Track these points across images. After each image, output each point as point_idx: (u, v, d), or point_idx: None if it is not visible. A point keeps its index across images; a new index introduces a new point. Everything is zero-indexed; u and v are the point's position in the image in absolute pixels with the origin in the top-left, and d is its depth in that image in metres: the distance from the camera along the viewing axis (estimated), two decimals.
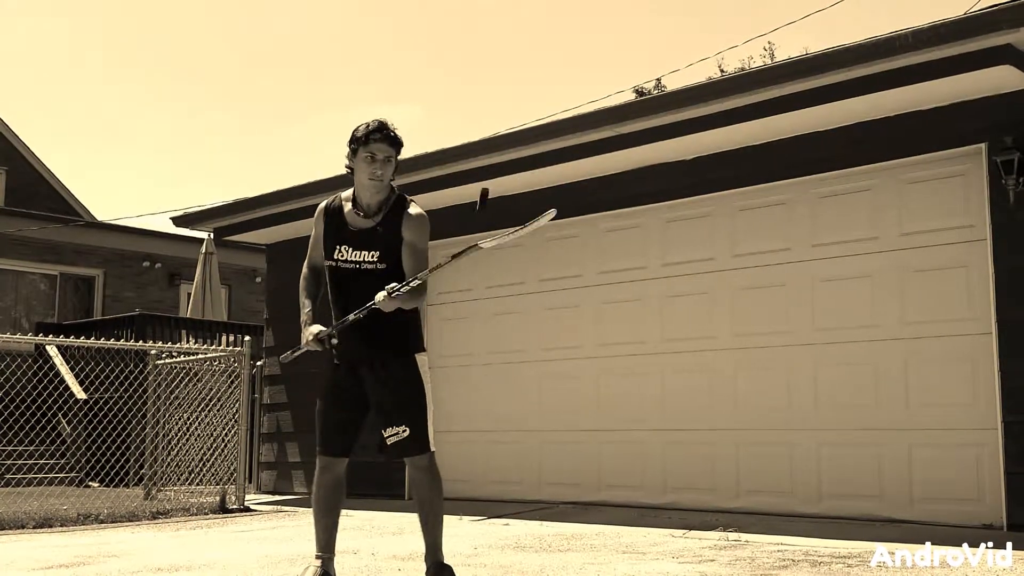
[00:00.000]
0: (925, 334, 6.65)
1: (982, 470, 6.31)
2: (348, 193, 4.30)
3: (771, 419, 7.25)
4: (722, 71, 24.52)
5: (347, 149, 4.19)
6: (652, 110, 7.35)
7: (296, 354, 4.25)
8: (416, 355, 4.26)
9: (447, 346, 9.21)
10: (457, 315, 9.27)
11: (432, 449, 4.25)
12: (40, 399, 10.94)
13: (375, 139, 4.12)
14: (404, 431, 4.14)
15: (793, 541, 5.75)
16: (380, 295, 3.93)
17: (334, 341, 4.12)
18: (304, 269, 4.41)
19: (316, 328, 4.14)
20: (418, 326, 4.31)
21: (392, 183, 4.26)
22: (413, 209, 4.23)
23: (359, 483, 7.49)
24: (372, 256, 4.15)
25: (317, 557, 4.25)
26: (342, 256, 4.22)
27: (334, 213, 4.29)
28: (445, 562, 4.23)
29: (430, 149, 8.72)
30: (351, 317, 4.02)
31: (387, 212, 4.21)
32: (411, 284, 3.96)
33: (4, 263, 16.54)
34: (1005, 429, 6.17)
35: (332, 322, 4.20)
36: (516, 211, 8.76)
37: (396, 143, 4.17)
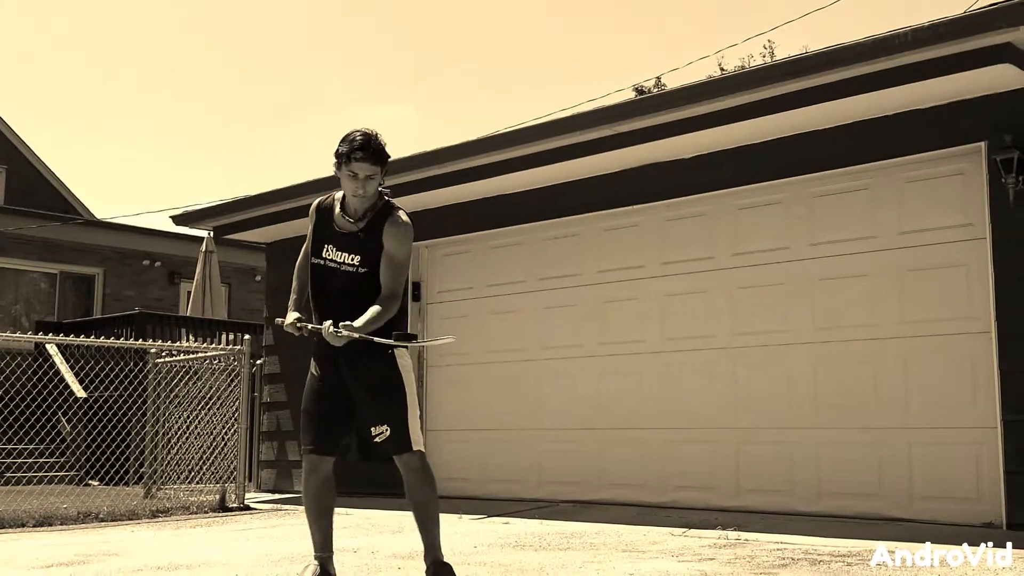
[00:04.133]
0: (924, 333, 6.65)
1: (981, 469, 6.32)
2: (341, 193, 4.32)
3: (770, 418, 7.26)
4: (722, 70, 24.52)
5: (334, 156, 4.18)
6: (651, 109, 7.35)
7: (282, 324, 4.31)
8: (397, 351, 4.22)
9: (447, 345, 9.20)
10: (456, 314, 9.27)
11: (420, 448, 4.20)
12: (40, 398, 10.93)
13: (357, 158, 4.09)
14: (385, 430, 4.13)
15: (793, 540, 5.76)
16: (327, 325, 3.98)
17: (309, 328, 4.17)
18: (300, 258, 4.49)
19: (295, 315, 4.23)
20: (402, 322, 4.30)
21: (381, 188, 4.27)
22: (397, 218, 4.22)
23: (358, 482, 7.50)
24: (353, 260, 4.19)
25: (316, 556, 4.26)
26: (328, 255, 4.26)
27: (325, 212, 4.34)
28: (444, 560, 4.24)
29: (423, 149, 8.73)
30: (311, 327, 4.13)
31: (372, 218, 4.22)
32: (354, 333, 3.95)
33: (4, 261, 16.53)
34: (1004, 428, 6.17)
35: (311, 316, 4.27)
36: (517, 210, 8.82)
37: (380, 160, 4.14)
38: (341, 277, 4.23)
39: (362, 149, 4.09)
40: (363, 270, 4.18)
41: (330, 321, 3.99)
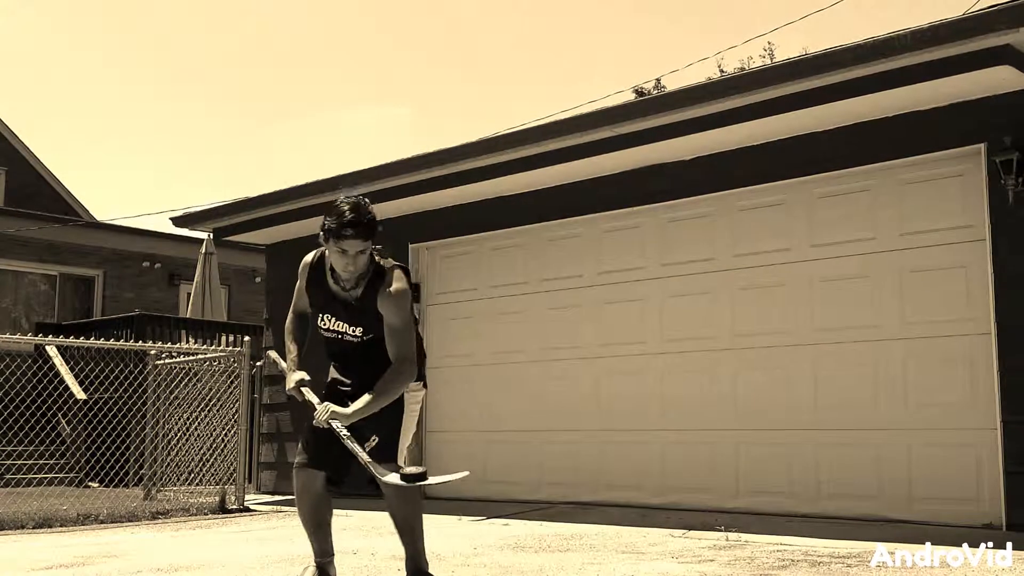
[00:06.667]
0: (924, 334, 6.65)
1: (981, 470, 6.32)
2: None
3: (770, 419, 7.26)
4: (722, 71, 24.52)
5: (321, 230, 3.97)
6: (651, 110, 7.35)
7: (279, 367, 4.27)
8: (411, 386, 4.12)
9: (447, 346, 9.21)
10: (458, 315, 9.27)
11: (400, 464, 4.09)
12: (40, 399, 10.92)
13: (347, 235, 3.87)
14: (373, 440, 3.99)
15: (792, 541, 5.75)
16: (322, 409, 3.90)
17: (309, 399, 4.06)
18: (290, 314, 4.34)
19: (300, 376, 4.09)
20: (419, 359, 4.16)
21: (372, 251, 4.02)
22: (392, 285, 4.01)
23: (358, 483, 7.49)
24: (355, 332, 4.08)
25: (316, 560, 4.24)
26: (324, 325, 4.15)
27: (316, 274, 4.17)
28: (428, 572, 4.16)
29: (420, 151, 8.75)
30: (316, 415, 3.99)
31: (366, 286, 4.04)
32: (342, 429, 3.88)
33: (4, 263, 16.52)
34: (1004, 429, 6.17)
35: (328, 369, 4.21)
36: (517, 211, 8.82)
37: (370, 234, 3.92)
38: (346, 344, 4.12)
39: (351, 226, 3.86)
40: (368, 337, 4.07)
41: (327, 405, 3.92)
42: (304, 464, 4.15)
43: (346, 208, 3.91)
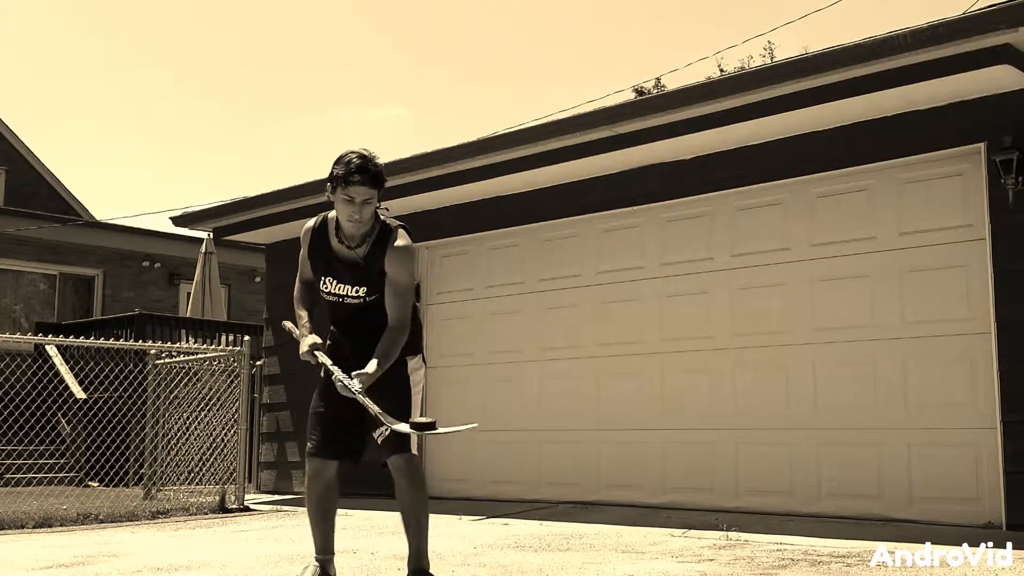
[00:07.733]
0: (924, 334, 6.65)
1: (981, 470, 6.32)
2: (333, 214, 4.15)
3: (770, 419, 7.26)
4: (721, 71, 24.51)
5: (327, 180, 4.00)
6: (651, 110, 7.35)
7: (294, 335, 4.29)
8: (409, 358, 4.15)
9: (447, 346, 9.21)
10: (457, 315, 9.27)
11: (415, 452, 4.11)
12: (40, 399, 10.92)
13: (354, 181, 3.89)
14: (386, 429, 3.95)
15: (792, 540, 5.75)
16: (339, 375, 3.89)
17: (323, 361, 4.08)
18: (297, 283, 4.35)
19: (312, 339, 4.09)
20: (416, 331, 4.23)
21: (378, 209, 4.09)
22: (399, 241, 4.05)
23: (358, 483, 7.50)
24: (358, 292, 4.08)
25: (316, 558, 4.24)
26: (326, 288, 4.15)
27: (320, 237, 4.18)
28: (429, 572, 4.15)
29: (419, 151, 8.75)
30: (323, 360, 4.02)
31: (372, 244, 4.06)
32: (362, 395, 3.84)
33: (3, 263, 16.52)
34: (1004, 429, 6.17)
35: (327, 336, 4.21)
36: (516, 211, 8.82)
37: (378, 183, 3.95)
38: (349, 307, 4.12)
39: (360, 172, 3.89)
40: (371, 298, 4.08)
41: (344, 376, 3.90)
42: (315, 452, 4.17)
43: (354, 156, 3.95)
